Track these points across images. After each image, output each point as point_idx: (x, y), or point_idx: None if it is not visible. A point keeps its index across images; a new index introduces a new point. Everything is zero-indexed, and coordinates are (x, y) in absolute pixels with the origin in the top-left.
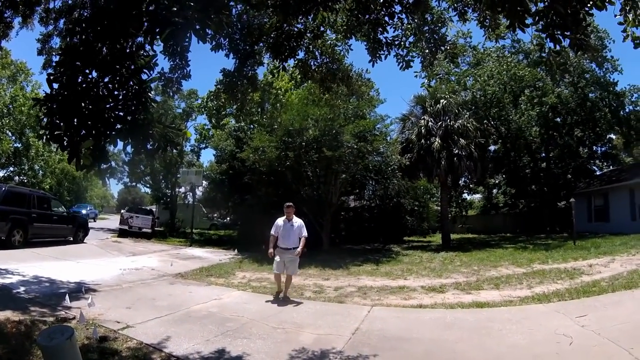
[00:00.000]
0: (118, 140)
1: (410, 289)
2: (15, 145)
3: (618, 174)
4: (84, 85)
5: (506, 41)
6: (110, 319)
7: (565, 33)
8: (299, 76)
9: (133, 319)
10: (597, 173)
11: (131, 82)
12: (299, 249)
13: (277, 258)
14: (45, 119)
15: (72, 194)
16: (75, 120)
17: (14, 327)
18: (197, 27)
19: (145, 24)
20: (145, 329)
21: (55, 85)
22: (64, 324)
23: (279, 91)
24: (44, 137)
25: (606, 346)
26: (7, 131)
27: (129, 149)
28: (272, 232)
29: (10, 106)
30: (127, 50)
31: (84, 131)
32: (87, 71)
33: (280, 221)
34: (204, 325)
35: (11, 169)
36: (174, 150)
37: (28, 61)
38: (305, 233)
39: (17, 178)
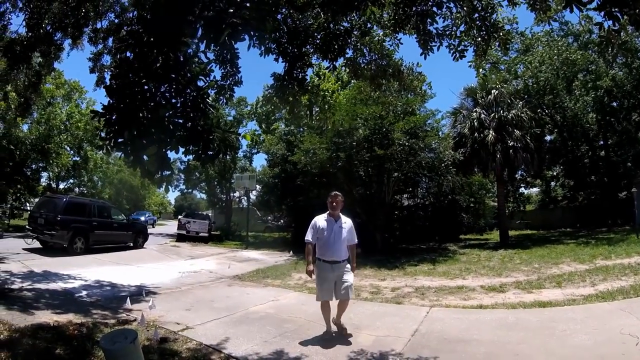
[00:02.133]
0: (179, 146)
1: (469, 288)
2: (74, 159)
3: None
4: (141, 95)
5: (554, 24)
6: (170, 321)
7: (624, 9)
8: (348, 76)
9: (192, 320)
10: None
11: (188, 90)
12: (352, 264)
13: (322, 278)
14: (104, 130)
15: (130, 202)
16: (136, 128)
17: (75, 329)
18: (252, 32)
19: (200, 29)
20: (205, 330)
21: (113, 97)
22: (125, 326)
23: (326, 93)
24: (105, 147)
25: None
26: (66, 146)
27: (187, 156)
28: (309, 237)
29: (67, 122)
30: (181, 59)
31: (144, 140)
32: (144, 81)
33: (320, 221)
34: (262, 327)
35: (71, 181)
36: (229, 155)
37: (81, 80)
38: (356, 239)
39: (77, 189)
